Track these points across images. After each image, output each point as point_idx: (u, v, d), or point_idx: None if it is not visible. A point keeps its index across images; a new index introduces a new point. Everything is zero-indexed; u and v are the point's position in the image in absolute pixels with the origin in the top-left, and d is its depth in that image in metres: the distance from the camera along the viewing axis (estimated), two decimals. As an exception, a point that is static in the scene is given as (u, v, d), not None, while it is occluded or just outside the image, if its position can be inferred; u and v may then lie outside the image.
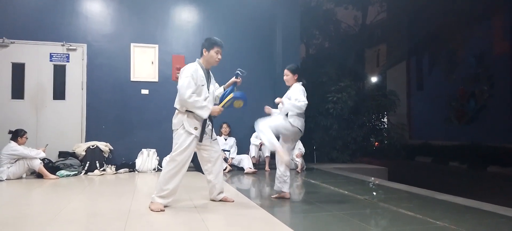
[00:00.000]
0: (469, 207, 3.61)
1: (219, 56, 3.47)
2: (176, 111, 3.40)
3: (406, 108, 14.35)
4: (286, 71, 3.90)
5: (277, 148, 3.57)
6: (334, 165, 7.48)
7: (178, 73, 6.88)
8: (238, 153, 6.59)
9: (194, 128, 3.32)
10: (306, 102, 3.65)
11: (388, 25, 16.22)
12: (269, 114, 3.93)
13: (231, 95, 3.48)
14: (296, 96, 3.68)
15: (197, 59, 3.52)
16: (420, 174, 10.39)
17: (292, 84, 3.88)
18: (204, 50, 3.45)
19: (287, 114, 3.73)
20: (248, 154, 6.54)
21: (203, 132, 3.39)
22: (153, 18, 6.79)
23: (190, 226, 2.84)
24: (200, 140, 3.39)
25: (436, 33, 13.08)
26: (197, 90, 3.33)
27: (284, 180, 3.86)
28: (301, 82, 3.88)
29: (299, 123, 3.73)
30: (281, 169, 3.84)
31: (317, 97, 8.25)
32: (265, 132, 3.58)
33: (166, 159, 6.16)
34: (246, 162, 6.32)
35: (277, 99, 3.82)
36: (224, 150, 6.48)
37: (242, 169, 6.32)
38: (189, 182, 4.78)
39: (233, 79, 3.61)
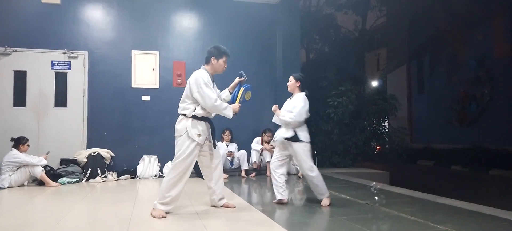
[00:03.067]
0: (471, 211, 3.60)
1: (226, 66, 3.56)
2: (180, 117, 3.41)
3: (407, 112, 14.31)
4: (291, 77, 4.03)
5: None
6: (335, 170, 7.47)
7: (179, 79, 6.94)
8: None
9: (198, 135, 3.33)
10: (300, 115, 3.76)
11: (388, 29, 16.25)
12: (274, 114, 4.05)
13: (242, 89, 3.60)
14: (296, 107, 3.80)
15: (202, 66, 3.54)
16: (422, 178, 10.36)
17: (293, 91, 3.96)
18: (213, 58, 3.49)
19: (295, 136, 3.78)
20: (248, 158, 6.55)
21: (214, 137, 3.47)
22: (153, 25, 6.83)
23: (191, 233, 2.84)
24: (214, 146, 3.49)
25: (436, 37, 13.08)
26: None
27: (282, 187, 3.92)
28: (304, 93, 3.95)
29: (307, 135, 3.87)
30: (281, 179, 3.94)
31: (317, 102, 8.26)
32: (319, 178, 3.86)
33: (167, 165, 6.20)
34: (245, 162, 6.39)
35: (274, 107, 3.97)
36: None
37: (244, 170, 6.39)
38: (191, 188, 4.78)
39: (238, 79, 3.68)
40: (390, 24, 15.97)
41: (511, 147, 9.61)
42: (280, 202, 3.92)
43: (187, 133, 3.32)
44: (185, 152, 3.29)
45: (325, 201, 3.83)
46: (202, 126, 3.38)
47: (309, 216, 3.45)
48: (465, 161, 10.34)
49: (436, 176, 10.45)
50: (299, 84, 3.96)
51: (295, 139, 3.76)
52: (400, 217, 3.31)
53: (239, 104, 3.55)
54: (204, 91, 3.30)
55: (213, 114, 3.49)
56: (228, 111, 3.40)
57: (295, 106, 3.80)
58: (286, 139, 3.79)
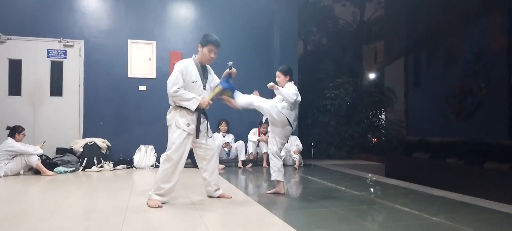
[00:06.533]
0: (465, 203, 3.63)
1: (212, 55, 3.41)
2: (170, 107, 3.41)
3: (404, 105, 14.37)
4: (278, 73, 3.93)
5: (243, 97, 3.69)
6: (331, 161, 7.51)
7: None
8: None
9: (187, 124, 3.31)
10: (296, 95, 3.69)
11: (386, 21, 16.25)
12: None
13: (219, 87, 3.45)
14: (287, 90, 3.72)
15: (193, 55, 3.51)
16: (417, 170, 10.43)
17: (284, 86, 3.90)
18: (199, 45, 3.44)
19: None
20: (245, 149, 6.57)
21: (198, 128, 3.37)
22: (150, 15, 6.78)
23: (187, 223, 2.85)
24: (197, 136, 3.37)
25: (433, 30, 13.08)
26: (187, 86, 3.31)
27: (278, 169, 3.84)
28: (293, 82, 3.91)
29: (289, 114, 3.72)
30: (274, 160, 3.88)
31: (314, 94, 8.27)
32: (242, 96, 3.69)
33: (163, 156, 6.20)
34: (243, 153, 6.41)
35: (270, 84, 3.78)
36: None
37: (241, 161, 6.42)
38: (187, 179, 4.79)
39: (227, 71, 3.52)
40: (388, 17, 15.97)
41: (506, 141, 9.70)
42: (277, 192, 3.92)
43: (175, 123, 3.30)
44: (175, 142, 3.28)
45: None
46: (191, 115, 3.34)
47: (304, 207, 3.47)
48: (460, 154, 10.43)
49: (431, 168, 10.53)
50: (288, 78, 3.88)
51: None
52: (395, 209, 3.34)
53: (210, 101, 3.40)
54: (170, 78, 3.27)
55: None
56: (192, 103, 3.27)
57: (287, 92, 3.72)
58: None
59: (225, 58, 3.58)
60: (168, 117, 3.39)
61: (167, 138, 3.40)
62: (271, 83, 3.76)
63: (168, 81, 3.29)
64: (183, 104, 3.29)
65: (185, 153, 3.34)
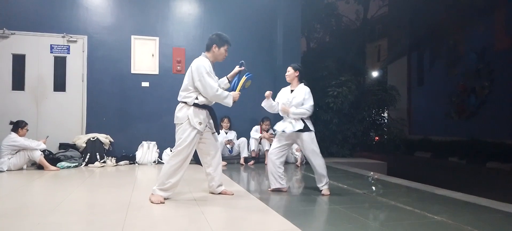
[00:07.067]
0: (467, 202, 3.63)
1: (227, 54, 3.57)
2: (181, 105, 3.41)
3: (406, 104, 14.33)
4: (289, 68, 4.05)
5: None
6: (333, 159, 7.51)
7: (179, 66, 6.91)
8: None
9: (199, 123, 3.34)
10: (313, 106, 3.88)
11: (390, 20, 16.18)
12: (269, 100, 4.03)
13: (244, 77, 3.60)
14: (307, 100, 3.85)
15: (203, 53, 3.53)
16: (419, 169, 10.42)
17: (292, 81, 4.01)
18: (214, 46, 3.48)
19: (306, 126, 3.82)
20: (247, 146, 6.57)
21: (215, 123, 3.50)
22: (153, 11, 6.77)
23: (189, 218, 2.86)
24: (218, 133, 3.51)
25: (437, 28, 13.03)
26: None
27: (281, 176, 3.97)
28: (304, 83, 4.01)
29: (312, 125, 3.93)
30: (278, 166, 3.98)
31: (317, 92, 8.23)
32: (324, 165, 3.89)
33: (166, 152, 6.22)
34: (245, 150, 6.43)
35: (268, 93, 3.97)
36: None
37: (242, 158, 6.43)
38: (189, 175, 4.80)
39: (238, 68, 3.67)
40: (392, 15, 15.90)
41: (508, 140, 9.67)
42: (278, 190, 3.95)
43: (189, 121, 3.32)
44: (187, 140, 3.30)
45: (326, 190, 3.86)
46: (203, 114, 3.39)
47: (306, 205, 3.48)
48: (462, 153, 10.40)
49: (433, 167, 10.52)
50: (297, 74, 3.99)
51: (306, 129, 3.82)
52: (397, 207, 3.34)
53: (239, 93, 3.56)
54: (206, 81, 3.30)
55: (213, 102, 3.49)
56: (229, 99, 3.41)
57: (305, 99, 3.85)
58: (298, 130, 3.80)
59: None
60: (179, 115, 3.39)
61: (170, 134, 3.41)
62: (268, 93, 3.95)
63: (203, 85, 3.30)
64: (222, 102, 3.40)
65: (193, 150, 3.39)
